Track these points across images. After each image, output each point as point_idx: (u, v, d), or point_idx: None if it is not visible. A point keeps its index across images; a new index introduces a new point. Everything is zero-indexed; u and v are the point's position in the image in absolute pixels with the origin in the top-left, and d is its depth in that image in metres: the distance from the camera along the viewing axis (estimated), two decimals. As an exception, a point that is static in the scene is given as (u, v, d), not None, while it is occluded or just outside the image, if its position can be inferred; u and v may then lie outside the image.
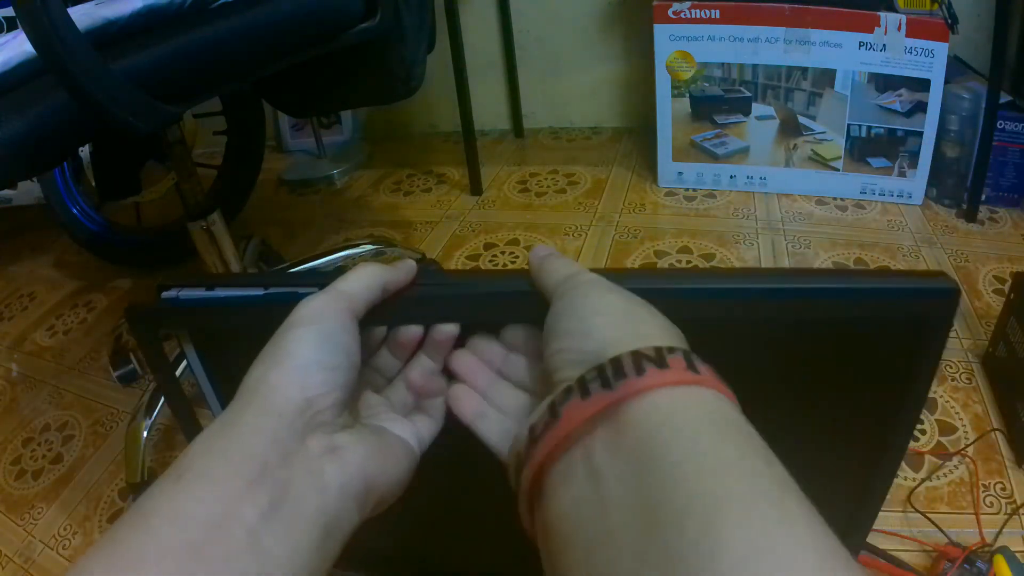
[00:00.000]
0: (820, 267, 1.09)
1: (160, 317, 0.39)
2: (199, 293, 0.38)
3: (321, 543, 0.24)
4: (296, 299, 0.36)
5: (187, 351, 0.43)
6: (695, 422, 0.20)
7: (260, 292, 0.37)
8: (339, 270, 0.40)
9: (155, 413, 0.83)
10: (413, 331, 0.34)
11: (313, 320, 0.29)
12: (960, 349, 0.87)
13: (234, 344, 0.43)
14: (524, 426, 0.25)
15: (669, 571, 0.16)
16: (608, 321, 0.25)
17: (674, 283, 0.32)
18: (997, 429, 0.75)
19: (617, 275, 0.34)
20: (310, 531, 0.24)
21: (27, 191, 1.46)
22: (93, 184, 0.97)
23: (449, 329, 0.34)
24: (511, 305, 0.33)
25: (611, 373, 0.21)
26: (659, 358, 0.21)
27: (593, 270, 0.30)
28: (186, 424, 0.46)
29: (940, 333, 0.32)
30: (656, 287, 0.32)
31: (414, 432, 0.33)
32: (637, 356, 0.21)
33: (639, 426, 0.20)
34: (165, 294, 0.39)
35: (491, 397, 0.33)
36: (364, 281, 0.32)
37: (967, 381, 0.82)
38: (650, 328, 0.25)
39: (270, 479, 0.24)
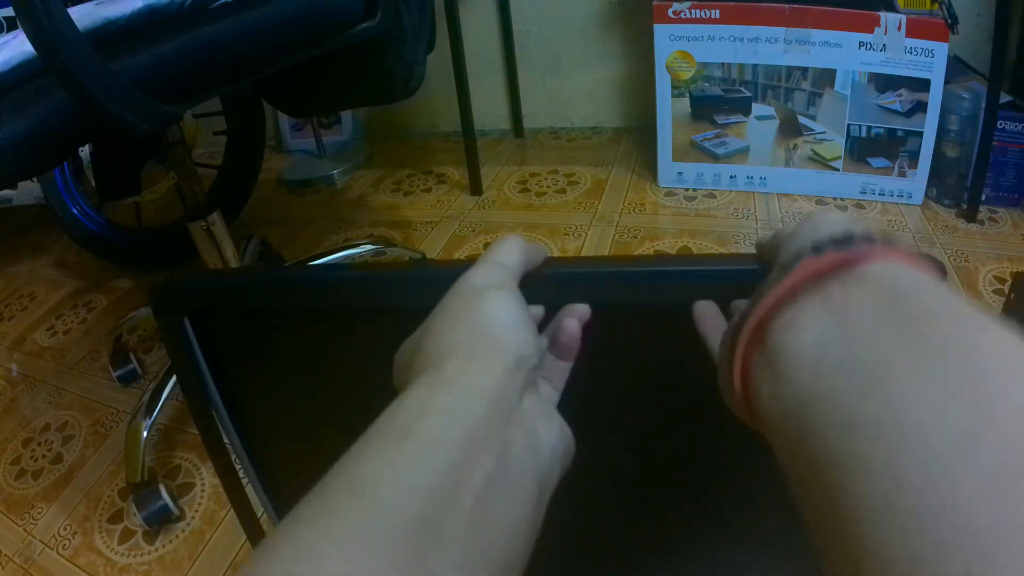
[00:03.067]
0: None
1: (188, 298, 0.39)
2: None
3: (536, 509, 0.23)
4: (303, 282, 0.37)
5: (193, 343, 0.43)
6: (930, 283, 0.20)
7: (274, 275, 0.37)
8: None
9: (155, 413, 0.83)
10: (582, 313, 0.33)
11: (498, 285, 0.28)
12: (960, 349, 0.87)
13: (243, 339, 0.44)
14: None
15: (969, 382, 0.16)
16: (835, 222, 0.25)
17: (651, 266, 0.34)
18: (997, 429, 0.74)
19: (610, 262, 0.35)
20: (529, 495, 0.23)
21: (27, 191, 1.46)
22: (93, 184, 0.97)
23: (584, 309, 0.34)
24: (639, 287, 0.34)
25: (843, 239, 0.21)
26: (886, 238, 0.22)
27: (591, 257, 0.32)
28: (198, 412, 0.46)
29: None
30: (641, 270, 0.33)
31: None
32: (865, 233, 0.22)
33: (878, 279, 0.20)
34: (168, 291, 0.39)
35: None
36: (516, 256, 0.31)
37: (967, 381, 0.82)
38: None
39: (496, 440, 0.22)
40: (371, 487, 0.19)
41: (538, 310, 0.33)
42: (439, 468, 0.20)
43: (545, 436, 0.25)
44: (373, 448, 0.21)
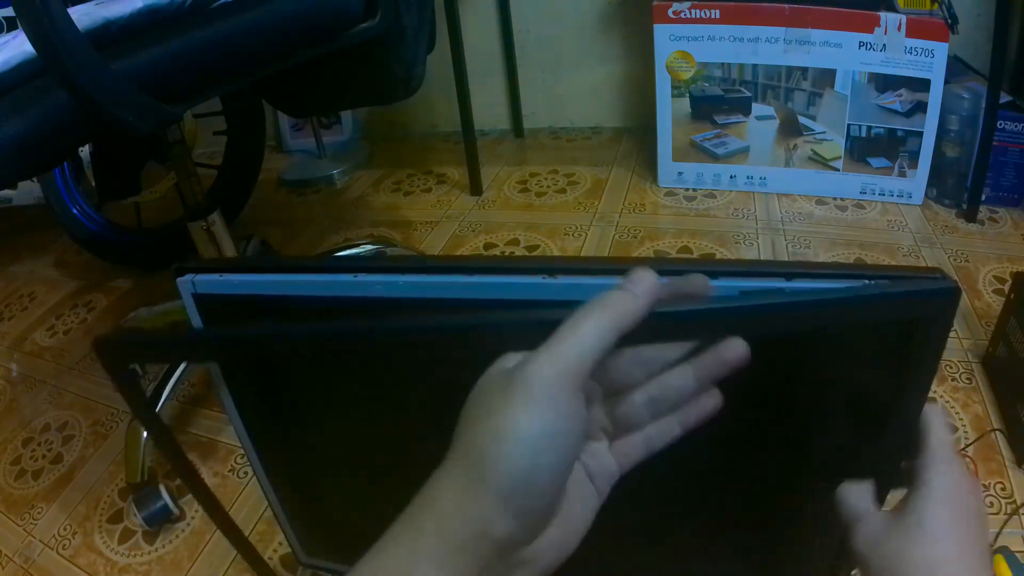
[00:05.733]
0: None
1: (129, 350, 0.37)
2: (214, 278, 0.38)
3: None
4: (309, 291, 0.36)
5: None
6: None
7: (279, 278, 0.36)
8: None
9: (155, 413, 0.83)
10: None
11: (538, 403, 0.24)
12: (960, 349, 0.87)
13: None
14: None
15: None
16: (954, 570, 0.29)
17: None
18: (997, 429, 0.74)
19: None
20: None
21: (27, 191, 1.46)
22: (93, 184, 0.97)
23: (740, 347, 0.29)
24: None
25: None
26: None
27: (597, 257, 0.30)
28: (171, 454, 0.46)
29: (939, 335, 0.31)
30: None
31: (610, 471, 0.31)
32: None
33: None
34: (180, 279, 0.39)
35: None
36: (595, 339, 0.25)
37: (967, 381, 0.82)
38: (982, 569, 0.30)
39: None
40: None
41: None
42: None
43: None
44: None
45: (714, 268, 0.32)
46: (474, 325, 0.28)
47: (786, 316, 0.28)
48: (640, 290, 0.26)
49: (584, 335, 0.25)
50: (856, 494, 0.35)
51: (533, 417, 0.24)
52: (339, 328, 0.32)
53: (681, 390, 0.30)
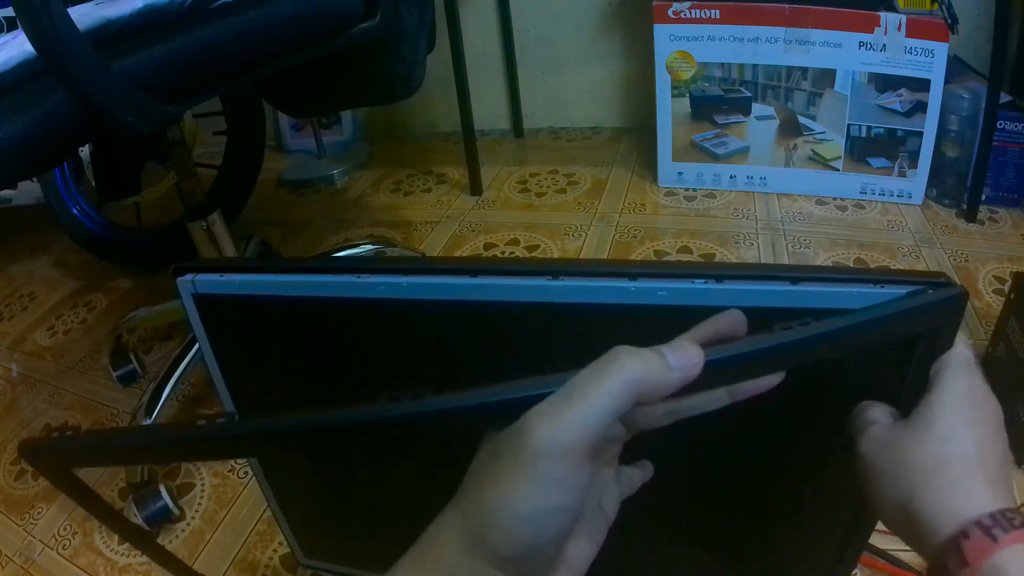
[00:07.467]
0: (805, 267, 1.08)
1: (65, 451, 0.33)
2: (215, 278, 0.38)
3: None
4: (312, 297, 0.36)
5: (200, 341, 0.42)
6: None
7: (283, 279, 0.36)
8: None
9: (155, 413, 0.83)
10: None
11: (545, 489, 0.24)
12: (960, 349, 0.87)
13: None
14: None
15: None
16: (967, 470, 0.28)
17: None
18: (997, 429, 0.74)
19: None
20: None
21: (27, 191, 1.46)
22: (93, 184, 0.97)
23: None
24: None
25: (991, 523, 0.26)
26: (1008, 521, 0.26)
27: (601, 260, 0.31)
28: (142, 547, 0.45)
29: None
30: None
31: (622, 492, 0.32)
32: (1001, 516, 0.26)
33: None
34: (180, 279, 0.39)
35: None
36: (610, 401, 0.24)
37: (967, 381, 0.82)
38: (1001, 475, 0.29)
39: None
40: None
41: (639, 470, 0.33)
42: None
43: None
44: None
45: (719, 272, 0.32)
46: (496, 403, 0.26)
47: (822, 346, 0.28)
48: (679, 363, 0.25)
49: (600, 398, 0.24)
50: (874, 407, 0.33)
51: (537, 494, 0.24)
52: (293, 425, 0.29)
53: (711, 406, 0.30)
